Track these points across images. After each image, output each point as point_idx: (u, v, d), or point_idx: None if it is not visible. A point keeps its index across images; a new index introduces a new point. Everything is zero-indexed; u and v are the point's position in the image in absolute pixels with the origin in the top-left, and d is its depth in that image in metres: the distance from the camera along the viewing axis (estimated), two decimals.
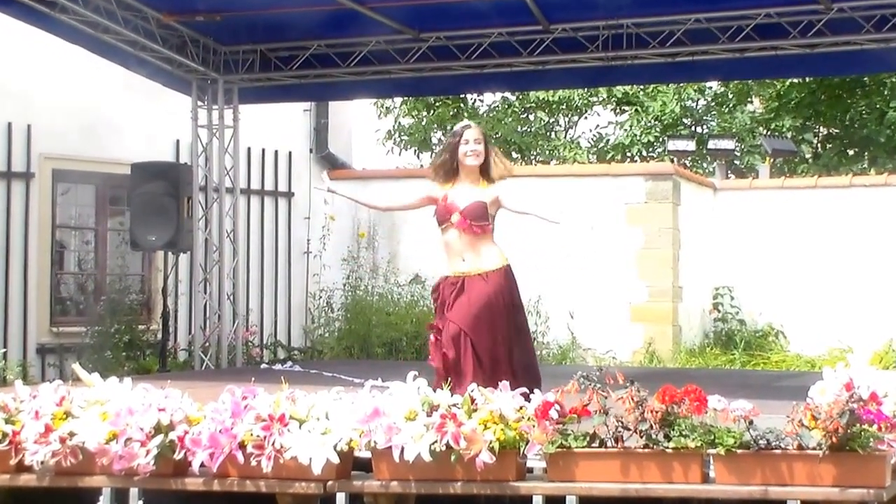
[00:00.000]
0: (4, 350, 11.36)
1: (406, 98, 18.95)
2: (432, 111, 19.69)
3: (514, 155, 18.60)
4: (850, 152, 19.27)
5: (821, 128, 19.87)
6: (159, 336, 12.25)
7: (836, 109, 18.77)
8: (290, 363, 12.38)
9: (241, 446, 5.50)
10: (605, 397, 5.30)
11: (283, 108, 14.02)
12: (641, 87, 18.33)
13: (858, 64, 11.45)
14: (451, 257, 6.94)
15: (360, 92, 13.73)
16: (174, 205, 11.65)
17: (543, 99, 19.09)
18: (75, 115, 12.22)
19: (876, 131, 18.15)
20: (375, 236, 14.69)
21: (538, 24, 11.18)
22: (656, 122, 18.71)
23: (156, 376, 10.46)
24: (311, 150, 15.06)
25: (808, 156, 19.33)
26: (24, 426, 5.81)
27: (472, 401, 5.41)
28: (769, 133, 18.45)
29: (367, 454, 5.50)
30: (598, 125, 20.06)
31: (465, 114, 18.80)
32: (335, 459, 5.40)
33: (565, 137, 19.86)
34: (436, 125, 19.54)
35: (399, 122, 20.00)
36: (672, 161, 15.80)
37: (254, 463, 5.47)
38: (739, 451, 5.12)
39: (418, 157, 19.92)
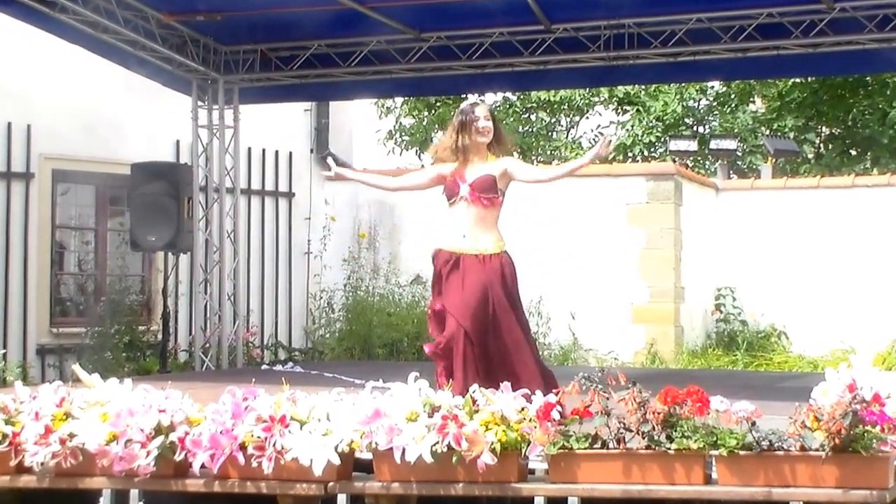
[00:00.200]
0: (4, 351, 11.34)
1: (407, 98, 18.95)
2: (433, 111, 19.69)
3: (516, 155, 18.56)
4: (853, 152, 19.26)
5: (823, 128, 19.86)
6: (159, 337, 12.23)
7: (838, 109, 18.76)
8: (290, 364, 12.36)
9: (242, 447, 5.49)
10: (607, 398, 5.28)
11: (284, 108, 14.00)
12: (643, 86, 18.31)
13: (861, 64, 11.43)
14: (453, 233, 6.91)
15: (361, 92, 13.72)
16: (174, 205, 11.63)
17: (545, 99, 19.08)
18: (75, 115, 12.21)
19: (878, 131, 18.14)
20: (376, 237, 14.68)
21: (539, 24, 11.16)
22: (658, 122, 18.70)
23: (156, 377, 10.44)
24: (311, 151, 15.04)
25: (810, 156, 19.33)
26: (24, 427, 5.80)
27: (474, 402, 5.39)
28: (771, 133, 18.43)
29: (368, 455, 5.49)
30: (599, 125, 20.05)
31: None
32: (336, 461, 5.38)
33: (567, 137, 19.86)
34: (437, 125, 19.52)
35: (400, 123, 20.01)
36: (674, 161, 15.78)
37: (254, 464, 5.46)
38: (742, 452, 5.11)
39: (419, 157, 19.92)
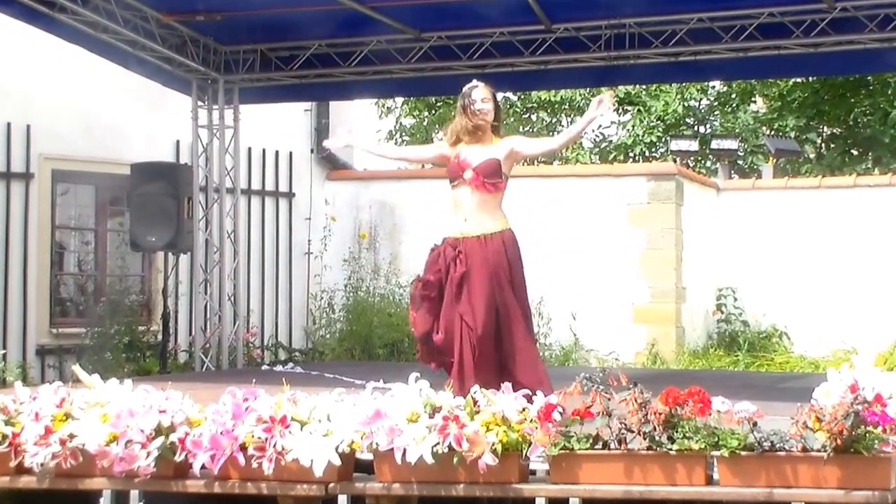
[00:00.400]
0: (4, 351, 11.32)
1: (407, 98, 18.92)
2: (433, 111, 19.66)
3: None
4: (854, 152, 19.24)
5: (824, 128, 19.84)
6: (159, 337, 12.22)
7: (839, 109, 18.73)
8: (290, 364, 12.34)
9: (243, 448, 5.48)
10: (609, 399, 5.27)
11: (284, 108, 13.99)
12: (644, 86, 18.29)
13: (862, 63, 11.43)
14: (455, 216, 6.93)
15: (361, 92, 13.70)
16: (174, 205, 11.61)
17: (545, 99, 19.05)
18: (75, 115, 12.20)
19: (880, 131, 18.11)
20: (377, 237, 14.67)
21: (540, 24, 11.15)
22: (659, 122, 18.67)
23: (156, 378, 10.42)
24: (311, 151, 15.03)
25: (811, 156, 19.30)
26: (24, 428, 5.80)
27: (475, 402, 5.38)
28: (772, 133, 18.41)
29: (368, 456, 5.48)
30: (600, 125, 20.01)
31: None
32: (337, 461, 5.37)
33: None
34: (437, 125, 19.49)
35: (400, 123, 19.98)
36: (675, 161, 15.76)
37: (255, 465, 5.45)
38: (743, 453, 5.11)
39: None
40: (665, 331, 13.79)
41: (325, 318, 14.35)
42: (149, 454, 5.53)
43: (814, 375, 10.53)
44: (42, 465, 5.72)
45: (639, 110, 18.95)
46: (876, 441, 5.01)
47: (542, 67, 11.63)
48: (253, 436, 5.47)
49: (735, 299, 14.64)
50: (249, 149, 13.88)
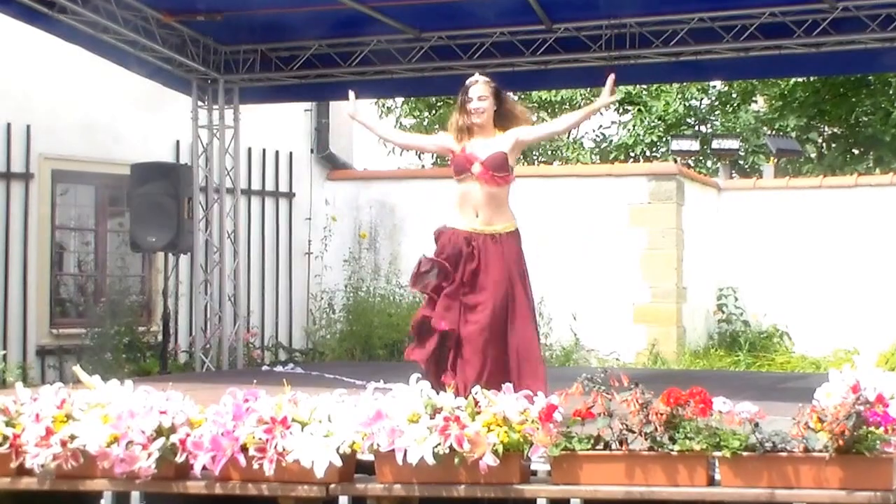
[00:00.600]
0: (4, 352, 11.30)
1: (407, 98, 18.91)
2: (434, 111, 19.66)
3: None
4: (856, 152, 19.25)
5: (825, 127, 19.85)
6: (160, 338, 12.21)
7: (840, 109, 18.74)
8: (291, 365, 12.32)
9: (243, 449, 5.48)
10: (610, 400, 5.26)
11: (284, 109, 13.98)
12: (645, 86, 18.28)
13: (863, 63, 11.40)
14: (464, 210, 6.89)
15: (362, 92, 13.48)
16: (174, 206, 11.60)
17: (546, 99, 19.06)
18: (75, 115, 12.18)
19: (881, 131, 18.12)
20: (377, 237, 14.66)
21: (541, 24, 11.14)
22: (659, 122, 18.68)
23: (156, 378, 10.42)
24: (312, 151, 15.02)
25: (812, 155, 19.30)
26: (25, 429, 5.80)
27: (476, 403, 5.37)
28: (773, 133, 18.41)
29: (369, 457, 5.47)
30: (600, 125, 20.03)
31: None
32: (338, 462, 5.37)
33: (568, 138, 19.82)
34: (437, 125, 19.49)
35: (400, 123, 19.98)
36: (675, 161, 15.76)
37: (256, 466, 5.45)
38: (745, 453, 5.10)
39: (419, 157, 19.88)
40: (666, 331, 13.78)
41: (326, 319, 14.34)
42: (150, 455, 5.53)
43: (815, 375, 10.52)
44: (43, 466, 5.72)
45: (639, 110, 18.96)
46: (878, 442, 5.00)
47: (543, 67, 11.61)
48: (254, 437, 5.46)
49: (736, 299, 14.63)
50: (249, 149, 13.87)
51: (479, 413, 5.34)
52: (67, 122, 12.19)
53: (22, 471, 5.81)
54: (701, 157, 18.26)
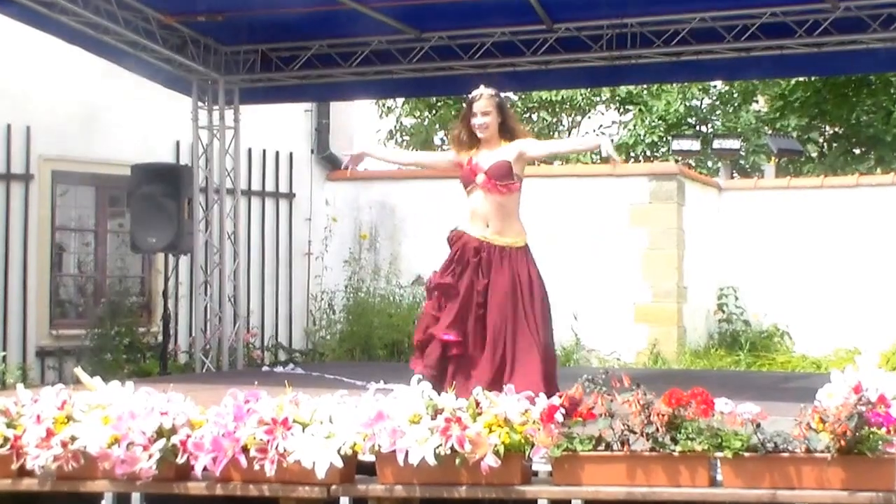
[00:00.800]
0: (4, 353, 11.29)
1: (408, 98, 18.90)
2: (434, 111, 19.66)
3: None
4: (857, 152, 19.25)
5: (827, 127, 19.84)
6: (160, 338, 12.19)
7: (841, 109, 18.73)
8: (291, 365, 12.31)
9: (244, 450, 5.47)
10: (611, 400, 5.26)
11: (284, 109, 13.97)
12: (645, 86, 18.28)
13: (865, 63, 11.39)
14: (473, 221, 6.97)
15: (362, 92, 13.69)
16: (174, 206, 11.58)
17: (546, 99, 19.06)
18: (75, 115, 12.17)
19: (882, 130, 18.12)
20: (377, 238, 14.65)
21: (542, 24, 11.12)
22: (660, 122, 18.66)
23: (156, 379, 10.42)
24: (312, 151, 15.02)
25: (813, 155, 19.30)
26: (26, 430, 5.79)
27: (477, 404, 5.37)
28: (774, 132, 18.40)
29: (371, 458, 5.46)
30: (601, 125, 20.02)
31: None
32: (339, 463, 5.36)
33: (568, 138, 19.81)
34: (438, 125, 19.50)
35: (401, 123, 19.98)
36: (676, 161, 15.76)
37: (257, 467, 5.44)
38: (747, 454, 5.09)
39: None
40: (666, 331, 13.77)
41: (326, 319, 14.34)
42: (150, 456, 5.53)
43: (816, 375, 10.52)
44: (44, 467, 5.71)
45: (640, 110, 18.95)
46: (880, 442, 5.00)
47: (544, 67, 11.60)
48: (255, 438, 5.45)
49: (736, 299, 14.62)
50: (250, 149, 13.86)
51: (480, 414, 5.33)
52: (67, 123, 12.18)
53: (23, 472, 5.81)
54: (702, 157, 18.25)
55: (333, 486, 5.43)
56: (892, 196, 13.91)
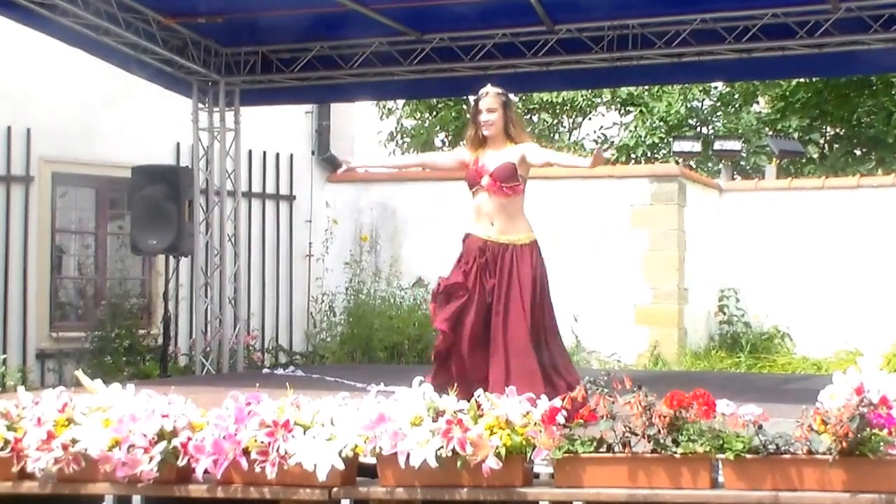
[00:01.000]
0: (4, 356, 11.28)
1: (409, 100, 18.89)
2: (435, 113, 19.64)
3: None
4: (858, 153, 19.22)
5: (828, 128, 19.82)
6: (160, 341, 12.18)
7: (843, 110, 18.71)
8: (291, 368, 12.30)
9: (245, 452, 5.46)
10: (613, 402, 5.25)
11: (285, 111, 13.97)
12: (646, 87, 18.27)
13: (866, 64, 11.36)
14: (479, 220, 7.03)
15: (363, 94, 13.68)
16: (175, 208, 11.57)
17: (547, 100, 19.04)
18: (75, 118, 12.17)
19: (883, 131, 18.10)
20: (378, 240, 14.65)
21: (542, 25, 11.11)
22: (661, 123, 18.65)
23: (157, 381, 10.41)
24: (312, 153, 15.02)
25: (814, 156, 19.28)
26: (27, 433, 5.78)
27: (479, 406, 5.36)
28: (775, 134, 18.38)
29: (372, 460, 5.46)
30: (602, 126, 20.01)
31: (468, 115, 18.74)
32: (340, 466, 5.35)
33: (569, 139, 19.81)
34: (438, 127, 19.48)
35: (401, 124, 19.95)
36: (677, 162, 15.75)
37: (258, 469, 5.43)
38: (748, 456, 5.09)
39: None
40: (667, 332, 13.77)
41: (326, 321, 14.33)
42: (151, 459, 5.52)
43: (817, 377, 10.51)
44: (44, 470, 5.71)
45: (641, 111, 18.94)
46: (882, 444, 4.99)
47: (545, 69, 11.59)
48: (256, 440, 5.45)
49: (737, 300, 14.62)
50: (250, 151, 13.86)
51: (481, 416, 5.32)
52: (67, 125, 12.18)
53: (23, 475, 5.80)
54: (703, 159, 18.24)
55: (335, 489, 5.42)
56: (893, 197, 13.90)
